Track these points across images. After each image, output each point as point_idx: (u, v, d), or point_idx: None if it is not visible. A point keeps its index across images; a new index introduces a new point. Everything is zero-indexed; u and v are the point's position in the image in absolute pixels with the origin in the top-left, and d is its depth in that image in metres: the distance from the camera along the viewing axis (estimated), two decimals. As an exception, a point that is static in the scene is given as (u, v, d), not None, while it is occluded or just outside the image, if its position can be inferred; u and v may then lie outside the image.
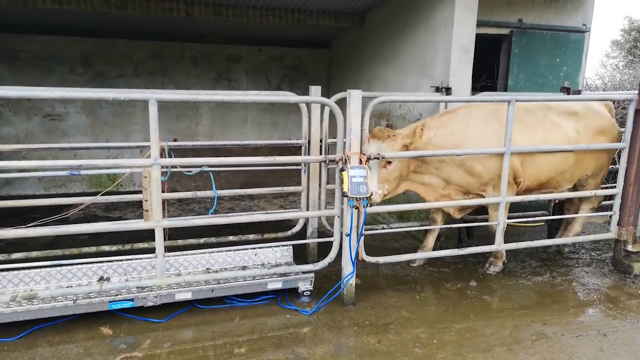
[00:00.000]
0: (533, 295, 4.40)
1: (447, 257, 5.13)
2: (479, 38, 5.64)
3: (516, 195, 4.69)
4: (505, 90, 6.50)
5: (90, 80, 8.88)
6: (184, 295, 3.87)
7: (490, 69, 7.18)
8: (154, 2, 6.90)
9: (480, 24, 5.66)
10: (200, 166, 4.39)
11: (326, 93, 5.89)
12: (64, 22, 8.13)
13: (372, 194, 4.26)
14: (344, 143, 3.87)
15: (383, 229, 5.35)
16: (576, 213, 5.27)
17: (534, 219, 5.61)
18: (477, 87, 7.00)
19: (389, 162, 4.27)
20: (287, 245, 4.62)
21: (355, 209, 3.87)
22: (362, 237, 4.03)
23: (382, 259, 4.33)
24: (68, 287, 3.90)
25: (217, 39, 9.45)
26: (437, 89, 5.48)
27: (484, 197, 4.61)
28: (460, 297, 4.32)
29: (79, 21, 8.01)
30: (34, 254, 4.39)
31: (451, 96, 5.34)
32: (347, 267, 4.03)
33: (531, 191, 4.77)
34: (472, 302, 4.23)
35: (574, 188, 5.01)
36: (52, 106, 8.75)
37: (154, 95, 3.33)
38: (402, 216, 6.37)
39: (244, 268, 4.46)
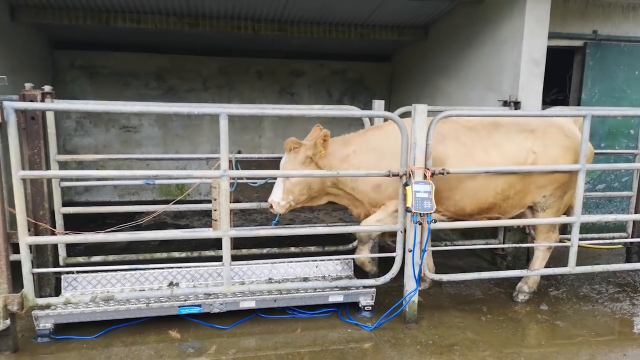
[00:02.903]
0: (611, 323, 4.12)
1: (515, 278, 4.92)
2: (550, 50, 5.43)
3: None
4: (579, 104, 6.21)
5: (162, 94, 9.39)
6: (248, 304, 3.96)
7: (561, 82, 6.88)
8: (223, 20, 7.22)
9: (551, 35, 5.45)
10: (265, 178, 4.53)
11: (387, 107, 5.87)
12: (140, 40, 8.67)
13: (272, 205, 4.14)
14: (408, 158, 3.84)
15: (446, 245, 5.23)
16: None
17: (610, 240, 5.26)
18: (547, 101, 6.73)
19: None
20: (348, 258, 4.62)
21: (419, 224, 3.82)
22: (426, 254, 3.96)
23: (445, 277, 4.22)
24: (141, 290, 4.11)
25: (281, 54, 9.70)
26: (505, 103, 5.31)
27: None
28: (530, 321, 4.12)
29: (154, 39, 8.52)
30: (111, 257, 4.67)
31: (519, 110, 5.16)
32: (410, 284, 3.97)
33: (471, 216, 4.33)
34: (543, 327, 4.02)
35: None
36: (127, 119, 9.32)
37: (224, 110, 3.47)
38: (465, 233, 6.19)
39: (305, 279, 4.50)
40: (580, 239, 4.31)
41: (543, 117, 4.47)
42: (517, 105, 5.23)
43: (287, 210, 4.21)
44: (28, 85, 3.90)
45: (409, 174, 3.80)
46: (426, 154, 3.82)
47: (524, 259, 5.41)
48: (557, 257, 5.08)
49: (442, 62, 7.28)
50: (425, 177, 3.79)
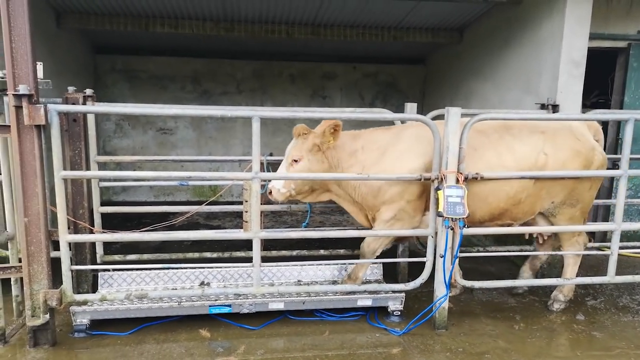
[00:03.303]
0: (653, 336, 3.94)
1: (550, 287, 4.77)
2: (591, 51, 5.25)
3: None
4: (621, 107, 5.99)
5: (198, 97, 9.60)
6: (277, 305, 3.99)
7: (603, 84, 6.64)
8: (257, 25, 7.33)
9: (593, 36, 5.28)
10: (296, 181, 4.54)
11: (420, 109, 5.81)
12: (177, 45, 8.90)
13: (271, 192, 4.00)
14: (440, 161, 3.79)
15: (479, 251, 5.12)
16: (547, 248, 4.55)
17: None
18: (587, 104, 6.51)
19: (295, 161, 3.96)
20: (377, 262, 4.59)
21: (451, 229, 3.75)
22: (457, 260, 3.89)
23: (477, 284, 4.14)
24: (173, 289, 4.21)
25: (314, 57, 9.75)
26: (543, 106, 5.17)
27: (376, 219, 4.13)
28: (565, 331, 3.99)
29: (191, 43, 8.72)
30: (145, 256, 4.80)
31: (558, 114, 5.00)
32: (440, 290, 3.90)
33: (481, 223, 4.13)
34: (579, 338, 3.88)
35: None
36: (164, 121, 9.57)
37: (257, 113, 3.52)
38: (499, 239, 6.05)
39: (334, 282, 4.50)
40: (621, 247, 4.13)
41: (579, 120, 4.33)
42: (555, 108, 5.08)
43: (286, 199, 4.10)
44: (71, 89, 4.07)
45: (441, 178, 3.74)
46: (459, 157, 3.76)
47: (560, 266, 5.23)
48: (596, 265, 4.91)
49: (478, 64, 7.15)
50: (457, 181, 3.73)
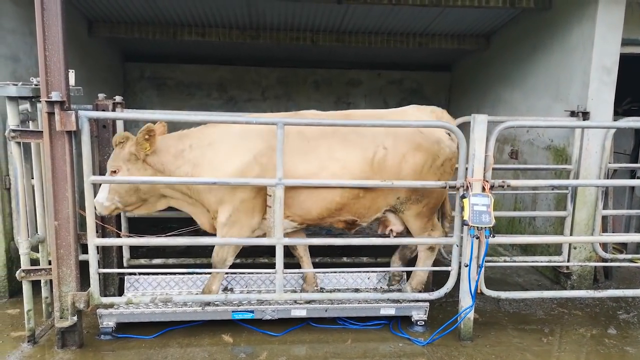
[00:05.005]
0: (690, 353, 3.78)
1: (580, 299, 4.64)
2: (624, 58, 5.10)
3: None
4: (655, 114, 5.79)
5: (223, 104, 9.71)
6: (299, 312, 3.98)
7: (636, 90, 6.45)
8: (282, 32, 7.38)
9: (625, 42, 5.12)
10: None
11: (446, 117, 5.77)
12: (204, 53, 9.04)
13: (96, 207, 3.70)
14: (466, 169, 3.74)
15: (505, 261, 5.01)
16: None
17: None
18: (619, 111, 6.33)
19: (114, 172, 3.72)
20: (401, 271, 4.54)
21: (476, 238, 3.69)
22: (483, 269, 3.82)
23: (504, 294, 4.05)
24: (197, 293, 4.25)
25: (339, 64, 9.76)
26: (573, 114, 5.04)
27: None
28: (596, 345, 3.86)
29: (217, 51, 8.85)
30: (170, 260, 4.86)
31: (589, 121, 4.88)
32: (465, 300, 3.83)
33: (321, 219, 4.03)
34: (611, 353, 3.75)
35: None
36: (190, 127, 9.69)
37: (282, 120, 3.54)
38: (526, 249, 5.91)
39: (356, 290, 4.47)
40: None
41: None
42: (585, 115, 4.95)
43: (113, 212, 3.89)
44: (101, 96, 4.17)
45: (467, 186, 3.69)
46: (485, 165, 3.70)
47: (590, 278, 5.08)
48: (629, 278, 4.74)
49: (505, 71, 7.04)
50: (483, 189, 3.67)
